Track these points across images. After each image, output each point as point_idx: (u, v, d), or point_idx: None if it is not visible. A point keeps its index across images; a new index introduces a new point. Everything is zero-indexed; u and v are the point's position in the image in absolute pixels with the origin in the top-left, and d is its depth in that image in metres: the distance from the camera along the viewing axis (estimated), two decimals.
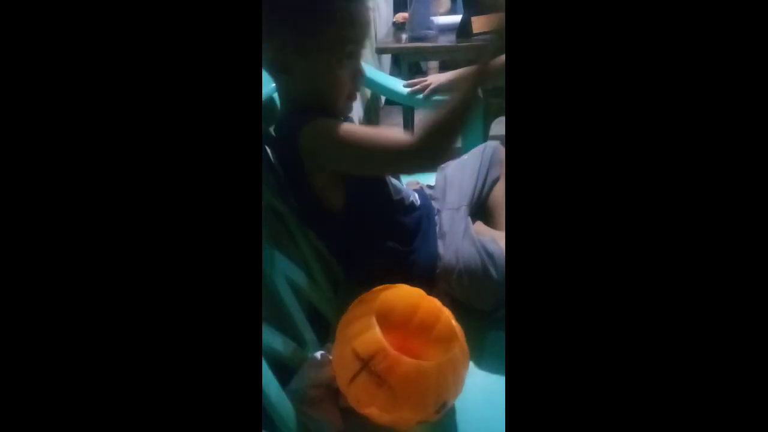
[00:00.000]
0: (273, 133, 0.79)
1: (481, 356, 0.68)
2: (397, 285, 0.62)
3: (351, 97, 0.74)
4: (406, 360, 0.52)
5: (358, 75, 0.72)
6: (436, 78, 1.15)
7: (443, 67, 2.62)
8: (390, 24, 2.05)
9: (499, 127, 2.09)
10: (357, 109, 1.64)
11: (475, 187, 0.88)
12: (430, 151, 0.61)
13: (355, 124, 0.72)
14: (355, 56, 0.71)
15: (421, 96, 1.14)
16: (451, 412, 0.61)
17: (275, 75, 0.73)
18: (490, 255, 0.73)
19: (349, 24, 0.66)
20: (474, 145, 1.00)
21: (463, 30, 1.68)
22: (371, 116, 1.97)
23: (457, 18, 1.75)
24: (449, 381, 0.54)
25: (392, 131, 0.66)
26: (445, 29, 1.76)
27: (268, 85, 0.76)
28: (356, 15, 0.67)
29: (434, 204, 0.87)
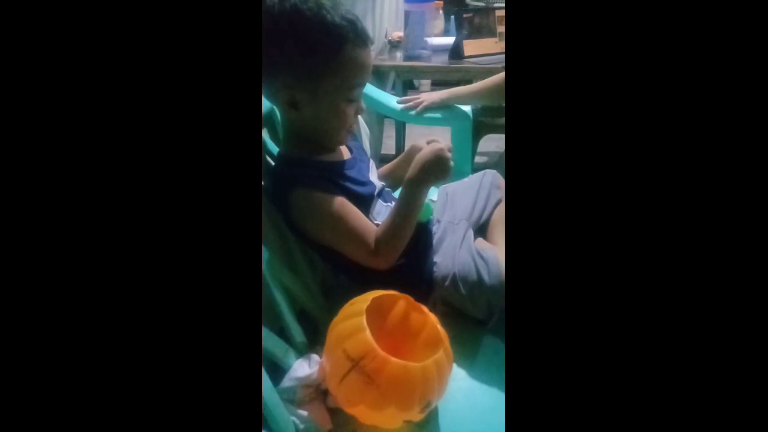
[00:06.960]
0: (271, 140, 0.82)
1: (473, 361, 0.71)
2: (387, 291, 0.65)
3: (351, 130, 0.81)
4: (394, 361, 0.55)
5: (359, 111, 0.79)
6: (428, 96, 1.19)
7: (435, 85, 2.69)
8: (385, 41, 2.10)
9: (487, 144, 2.14)
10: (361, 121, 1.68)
11: (476, 206, 0.89)
12: (388, 258, 0.73)
13: (339, 204, 0.74)
14: (359, 96, 0.77)
15: (413, 113, 1.19)
16: (444, 417, 0.64)
17: (282, 108, 0.78)
18: (484, 260, 0.75)
19: (357, 69, 0.72)
20: (463, 162, 1.04)
21: (455, 52, 1.74)
22: (375, 127, 2.01)
23: (450, 40, 1.81)
24: (434, 382, 0.57)
25: (364, 231, 0.73)
26: (438, 50, 1.82)
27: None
28: (361, 60, 0.72)
29: (434, 216, 0.88)
